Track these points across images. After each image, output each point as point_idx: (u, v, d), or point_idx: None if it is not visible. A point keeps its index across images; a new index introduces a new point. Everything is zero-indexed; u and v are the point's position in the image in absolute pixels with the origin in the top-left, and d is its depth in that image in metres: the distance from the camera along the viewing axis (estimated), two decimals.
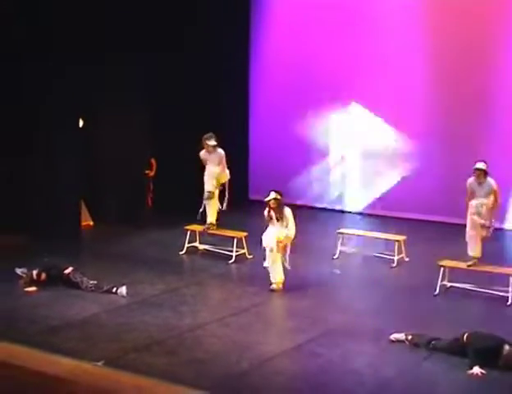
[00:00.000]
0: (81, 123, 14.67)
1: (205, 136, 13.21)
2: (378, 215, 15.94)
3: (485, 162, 11.25)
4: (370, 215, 16.21)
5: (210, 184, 13.25)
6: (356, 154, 16.82)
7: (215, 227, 13.46)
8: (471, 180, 11.27)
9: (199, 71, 16.01)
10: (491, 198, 11.18)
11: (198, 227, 13.45)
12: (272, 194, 11.42)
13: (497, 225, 11.68)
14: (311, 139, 17.11)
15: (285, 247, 11.50)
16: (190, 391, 8.12)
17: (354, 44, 16.42)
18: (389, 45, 16.04)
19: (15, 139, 13.81)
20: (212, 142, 13.17)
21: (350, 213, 16.30)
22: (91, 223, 15.07)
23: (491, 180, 11.22)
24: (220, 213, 13.46)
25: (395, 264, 12.84)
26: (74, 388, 8.20)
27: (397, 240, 13.04)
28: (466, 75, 15.40)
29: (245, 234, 13.09)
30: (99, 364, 8.69)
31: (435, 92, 15.80)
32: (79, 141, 14.42)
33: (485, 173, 11.21)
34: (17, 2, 13.55)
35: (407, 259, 13.07)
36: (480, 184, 11.20)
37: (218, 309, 10.84)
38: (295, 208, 15.64)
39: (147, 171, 15.75)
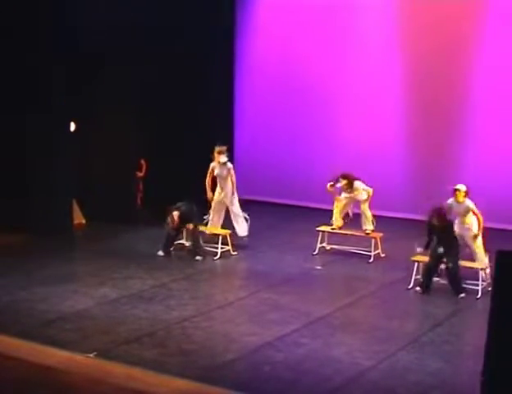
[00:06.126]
0: (73, 126, 14.54)
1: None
2: (356, 213, 15.88)
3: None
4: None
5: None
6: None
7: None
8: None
9: (186, 73, 15.77)
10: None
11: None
12: None
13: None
14: (296, 139, 16.93)
15: None
16: (178, 380, 8.07)
17: (339, 46, 16.28)
18: (369, 51, 15.98)
19: (10, 141, 13.75)
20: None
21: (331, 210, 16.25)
22: (83, 222, 14.92)
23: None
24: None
25: (371, 260, 12.86)
26: (68, 379, 8.13)
27: (374, 237, 13.07)
28: (443, 81, 15.33)
29: (229, 232, 13.09)
30: (91, 355, 8.63)
31: (412, 95, 15.76)
32: (71, 143, 14.28)
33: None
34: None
35: (383, 255, 13.07)
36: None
37: (205, 303, 10.77)
38: (279, 207, 15.75)
39: (136, 172, 15.59)
